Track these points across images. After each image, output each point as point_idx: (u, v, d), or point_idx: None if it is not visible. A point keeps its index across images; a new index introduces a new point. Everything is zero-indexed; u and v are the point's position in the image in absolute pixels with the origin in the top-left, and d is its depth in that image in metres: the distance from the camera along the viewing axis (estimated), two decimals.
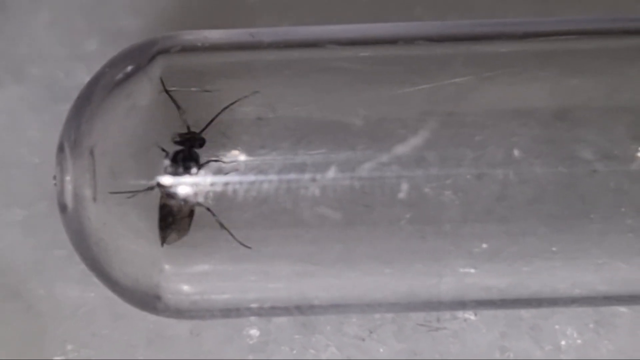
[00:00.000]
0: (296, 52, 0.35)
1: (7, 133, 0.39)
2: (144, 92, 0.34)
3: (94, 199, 0.33)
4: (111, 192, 0.33)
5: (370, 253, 0.34)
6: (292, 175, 0.33)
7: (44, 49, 0.39)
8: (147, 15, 0.39)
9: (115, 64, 0.34)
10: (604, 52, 0.35)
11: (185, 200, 0.33)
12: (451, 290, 0.34)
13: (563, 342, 0.38)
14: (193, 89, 0.34)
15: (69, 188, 0.33)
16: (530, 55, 0.35)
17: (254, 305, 0.35)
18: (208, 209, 0.33)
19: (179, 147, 0.33)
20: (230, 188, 0.33)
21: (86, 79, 0.35)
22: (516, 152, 0.33)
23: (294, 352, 0.38)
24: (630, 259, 0.34)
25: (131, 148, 0.33)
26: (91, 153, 0.33)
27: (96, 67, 0.35)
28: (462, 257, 0.34)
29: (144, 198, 0.33)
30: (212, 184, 0.33)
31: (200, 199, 0.33)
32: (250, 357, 0.38)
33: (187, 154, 0.33)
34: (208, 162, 0.33)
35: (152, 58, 0.34)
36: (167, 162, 0.33)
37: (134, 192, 0.33)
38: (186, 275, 0.34)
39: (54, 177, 0.34)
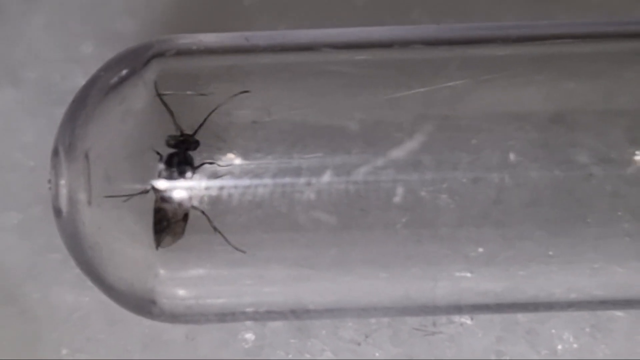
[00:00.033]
0: (292, 56, 0.35)
1: (2, 136, 0.39)
2: (139, 95, 0.34)
3: (89, 203, 0.33)
4: (106, 196, 0.33)
5: (366, 257, 0.34)
6: (288, 179, 0.33)
7: (40, 52, 0.39)
8: (143, 18, 0.39)
9: (110, 67, 0.34)
10: (600, 56, 0.35)
11: (179, 203, 0.33)
12: (447, 295, 0.34)
13: (559, 347, 0.38)
14: (188, 92, 0.34)
15: (63, 192, 0.33)
16: (526, 58, 0.34)
17: (249, 310, 0.35)
18: (202, 213, 0.33)
19: (172, 150, 0.33)
20: (225, 192, 0.33)
21: (82, 82, 0.35)
22: (512, 156, 0.33)
23: (290, 356, 0.38)
24: (626, 263, 0.34)
25: (126, 152, 0.33)
26: (86, 157, 0.33)
27: (92, 70, 0.35)
28: (458, 261, 0.34)
29: (139, 202, 0.33)
30: (206, 188, 0.33)
31: (195, 203, 0.33)
32: None
33: (181, 157, 0.33)
34: (202, 164, 0.33)
35: (147, 62, 0.34)
36: (161, 165, 0.33)
37: (129, 196, 0.33)
38: (181, 280, 0.34)
39: (49, 181, 0.34)
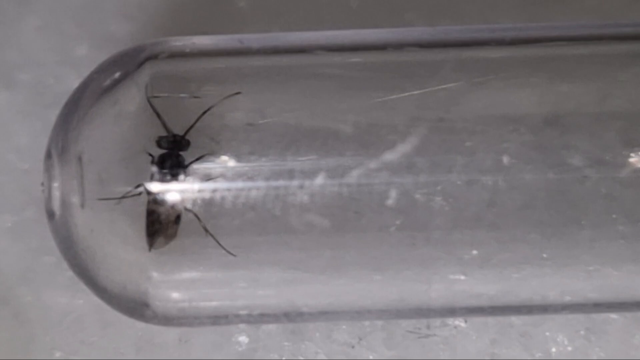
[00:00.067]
0: (285, 58, 0.35)
1: None
2: (132, 98, 0.34)
3: (82, 206, 0.33)
4: (99, 199, 0.33)
5: (360, 260, 0.34)
6: (281, 182, 0.33)
7: (33, 54, 0.39)
8: (137, 20, 0.39)
9: (103, 70, 0.34)
10: (594, 58, 0.35)
11: (172, 205, 0.33)
12: (441, 297, 0.34)
13: (554, 349, 0.38)
14: (182, 95, 0.34)
15: (56, 195, 0.33)
16: (520, 61, 0.34)
17: (243, 312, 0.35)
18: (195, 215, 0.33)
19: (164, 151, 0.33)
20: (218, 194, 0.33)
21: (76, 84, 0.35)
22: (506, 159, 0.33)
23: (283, 358, 0.38)
24: (621, 266, 0.34)
25: (119, 154, 0.33)
26: (79, 160, 0.33)
27: (86, 73, 0.35)
28: (452, 264, 0.34)
29: (132, 204, 0.33)
30: (199, 190, 0.33)
31: (188, 205, 0.33)
32: None
33: (172, 157, 0.33)
34: (193, 161, 0.33)
35: (140, 64, 0.34)
36: (153, 167, 0.33)
37: (121, 198, 0.33)
38: (174, 283, 0.34)
39: (42, 184, 0.34)
